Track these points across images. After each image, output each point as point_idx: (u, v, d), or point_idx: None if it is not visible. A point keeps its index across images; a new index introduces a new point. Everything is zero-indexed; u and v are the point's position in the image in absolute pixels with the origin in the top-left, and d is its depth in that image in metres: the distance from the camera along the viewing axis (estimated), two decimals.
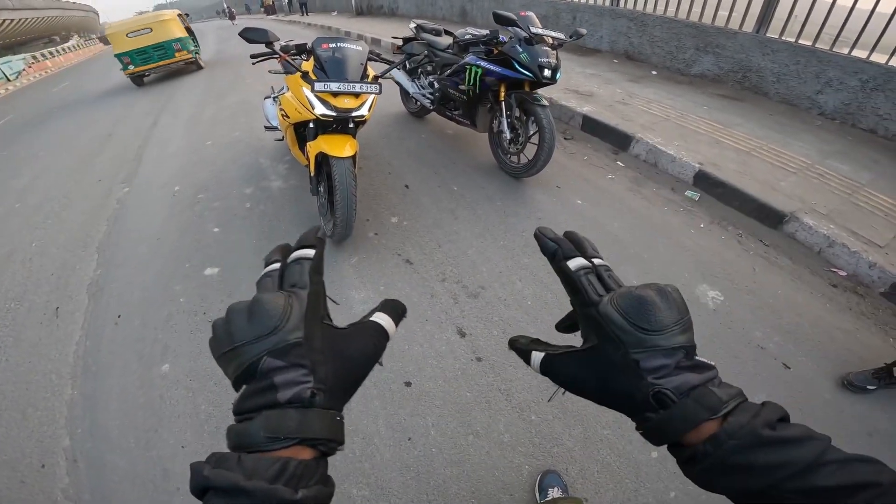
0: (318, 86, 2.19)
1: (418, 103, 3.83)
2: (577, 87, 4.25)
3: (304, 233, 0.40)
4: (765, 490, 0.28)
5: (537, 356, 0.39)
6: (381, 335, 0.39)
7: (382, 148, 3.80)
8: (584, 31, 2.82)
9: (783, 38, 3.96)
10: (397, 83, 3.90)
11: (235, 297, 2.42)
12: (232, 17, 25.75)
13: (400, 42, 3.72)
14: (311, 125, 2.36)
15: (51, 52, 20.90)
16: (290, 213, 3.05)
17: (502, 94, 2.82)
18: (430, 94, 3.58)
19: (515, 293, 2.22)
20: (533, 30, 2.60)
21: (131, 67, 8.20)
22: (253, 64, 2.62)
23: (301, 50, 2.50)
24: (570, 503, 1.24)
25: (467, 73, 2.93)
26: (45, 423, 1.92)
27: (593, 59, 5.32)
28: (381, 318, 0.39)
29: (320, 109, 2.22)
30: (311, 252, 0.38)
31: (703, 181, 2.91)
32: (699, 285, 2.24)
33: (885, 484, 0.28)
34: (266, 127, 3.43)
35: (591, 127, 3.62)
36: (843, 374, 1.82)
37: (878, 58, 3.49)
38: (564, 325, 0.44)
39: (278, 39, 2.26)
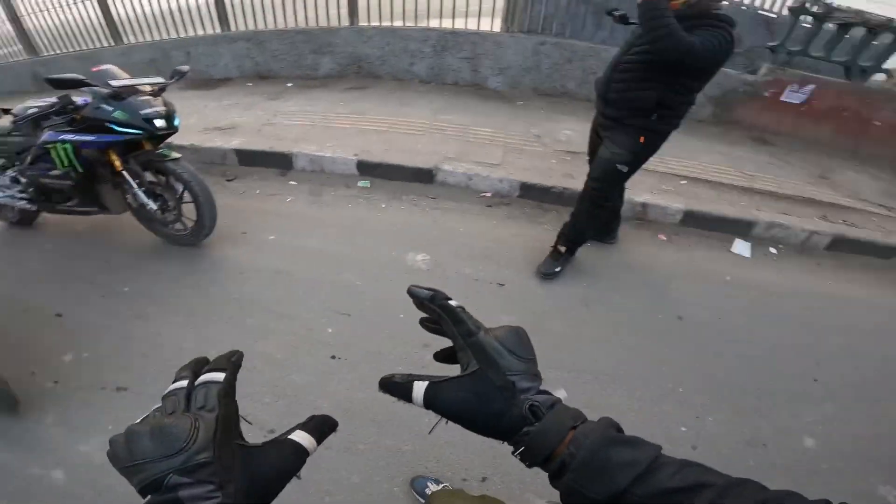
0: None
1: (15, 209, 2.87)
2: (216, 122, 4.00)
3: (218, 356, 0.40)
4: (622, 496, 0.32)
5: (420, 386, 0.39)
6: (299, 453, 0.37)
7: None
8: (185, 68, 2.59)
9: (371, 24, 4.70)
10: None
11: None
12: None
13: None
14: None
15: None
16: None
17: (118, 163, 2.38)
18: (22, 192, 2.71)
19: (258, 354, 1.98)
20: (115, 83, 2.24)
21: None
22: None
23: None
24: (450, 494, 1.23)
25: (54, 154, 2.33)
26: None
27: (226, 89, 5.10)
28: (301, 437, 0.38)
29: None
30: (220, 375, 0.37)
31: (366, 169, 3.27)
32: (408, 254, 2.58)
33: (720, 485, 0.31)
34: None
35: (249, 159, 3.51)
36: (536, 269, 2.45)
37: (437, 23, 4.54)
38: (443, 356, 0.47)
39: None
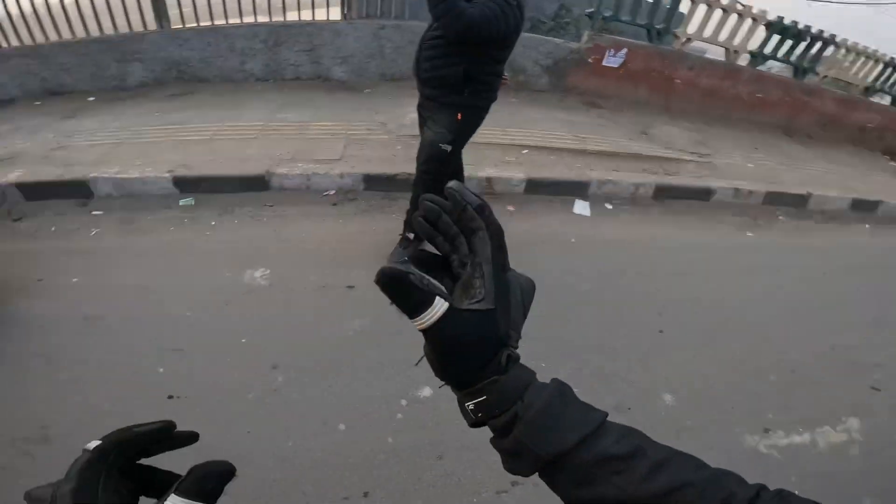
0: None
1: None
2: None
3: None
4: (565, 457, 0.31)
5: (441, 304, 0.32)
6: None
7: None
8: None
9: (187, 25, 4.14)
10: None
11: None
12: None
13: None
14: None
15: None
16: None
17: None
18: None
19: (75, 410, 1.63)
20: None
21: None
22: None
23: None
24: None
25: None
26: None
27: (6, 111, 4.16)
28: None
29: None
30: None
31: (185, 185, 2.87)
32: (244, 272, 2.34)
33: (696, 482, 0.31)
34: None
35: (36, 192, 2.83)
36: (383, 265, 2.35)
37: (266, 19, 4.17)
38: (423, 260, 0.37)
39: None
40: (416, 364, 0.38)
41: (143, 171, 2.86)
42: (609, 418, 0.34)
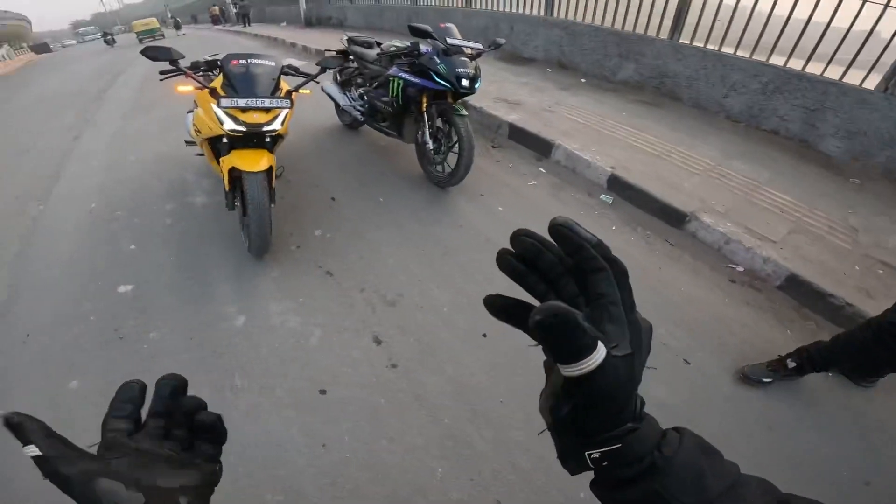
0: (225, 102, 2.18)
1: (351, 116, 3.84)
2: (507, 95, 4.39)
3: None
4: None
5: (602, 351, 0.26)
6: None
7: (313, 161, 3.78)
8: (502, 40, 2.93)
9: (694, 43, 4.25)
10: (329, 96, 3.89)
11: (150, 313, 2.33)
12: (178, 27, 24.09)
13: (334, 54, 3.73)
14: (224, 140, 2.32)
15: None
16: (212, 229, 2.97)
17: (424, 105, 2.88)
18: (361, 106, 3.60)
19: (432, 300, 2.26)
20: (449, 41, 2.68)
21: (142, 37, 21.00)
22: (161, 80, 2.55)
23: (212, 66, 2.46)
24: None
25: (391, 85, 2.97)
26: None
27: (527, 68, 5.51)
28: None
29: (229, 125, 2.20)
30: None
31: (616, 185, 3.07)
32: None
33: None
34: (186, 142, 3.33)
35: (518, 135, 3.74)
36: (740, 367, 1.96)
37: (777, 60, 3.79)
38: (512, 313, 0.32)
39: (182, 57, 2.22)
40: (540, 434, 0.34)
41: (593, 155, 3.23)
42: None
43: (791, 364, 1.86)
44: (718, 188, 3.01)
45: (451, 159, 2.93)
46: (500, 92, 4.55)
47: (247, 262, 2.61)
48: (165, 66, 2.32)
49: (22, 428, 0.31)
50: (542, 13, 5.74)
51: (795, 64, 3.76)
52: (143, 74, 9.74)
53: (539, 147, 3.57)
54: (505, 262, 0.33)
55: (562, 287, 0.32)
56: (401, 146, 3.79)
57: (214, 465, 0.37)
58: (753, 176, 3.21)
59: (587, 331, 0.26)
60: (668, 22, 4.44)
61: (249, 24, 19.24)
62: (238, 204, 2.49)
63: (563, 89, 4.63)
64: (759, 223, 2.73)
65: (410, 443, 1.67)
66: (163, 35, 22.63)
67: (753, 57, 3.98)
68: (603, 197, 3.07)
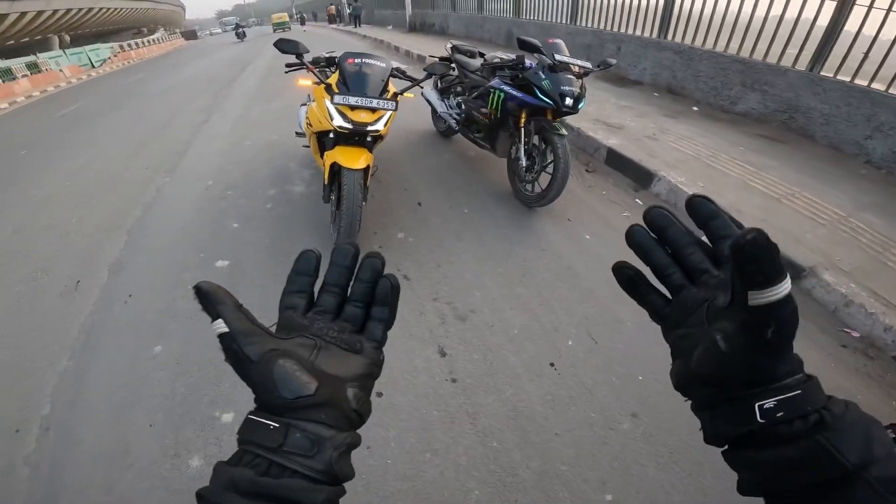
0: (338, 98, 2.30)
1: (446, 123, 3.90)
2: (608, 118, 4.18)
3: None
4: (860, 472, 0.26)
5: (788, 279, 0.25)
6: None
7: (405, 164, 3.89)
8: (613, 60, 2.79)
9: (837, 76, 3.73)
10: (427, 101, 3.99)
11: (238, 290, 2.51)
12: (303, 23, 26.40)
13: (436, 60, 3.83)
14: (331, 135, 2.46)
15: (136, 44, 22.79)
16: (305, 218, 3.17)
17: (522, 120, 2.82)
18: (457, 114, 3.64)
19: (504, 321, 2.19)
20: (557, 57, 2.60)
21: (275, 28, 28.23)
22: (286, 72, 2.76)
23: (331, 62, 2.63)
24: None
25: (491, 97, 2.95)
26: (34, 390, 2.03)
27: (632, 90, 5.22)
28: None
29: (338, 121, 2.32)
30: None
31: None
32: None
33: None
34: (297, 133, 3.59)
35: (615, 161, 3.54)
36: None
37: None
38: (632, 277, 0.37)
39: (308, 51, 2.39)
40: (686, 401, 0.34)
41: (700, 192, 2.94)
42: None
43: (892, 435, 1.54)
44: (845, 242, 2.60)
45: (543, 179, 2.84)
46: (599, 114, 4.35)
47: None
48: (291, 59, 2.50)
49: (211, 298, 0.32)
50: (655, 35, 5.41)
51: None
52: (266, 66, 10.81)
53: (638, 176, 3.34)
54: (636, 232, 0.35)
55: (688, 255, 0.33)
56: (491, 159, 3.77)
57: (379, 353, 0.37)
58: (889, 233, 2.73)
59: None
60: (806, 54, 3.96)
61: (360, 25, 20.59)
62: (333, 197, 2.62)
63: (670, 116, 4.31)
64: (888, 287, 2.31)
65: (454, 460, 1.62)
66: (290, 28, 29.37)
67: None
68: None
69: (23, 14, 18.47)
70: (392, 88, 2.56)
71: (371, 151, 2.52)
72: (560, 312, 2.24)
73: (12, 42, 21.39)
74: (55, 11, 20.93)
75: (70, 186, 4.29)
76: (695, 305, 0.32)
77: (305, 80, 2.68)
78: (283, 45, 2.33)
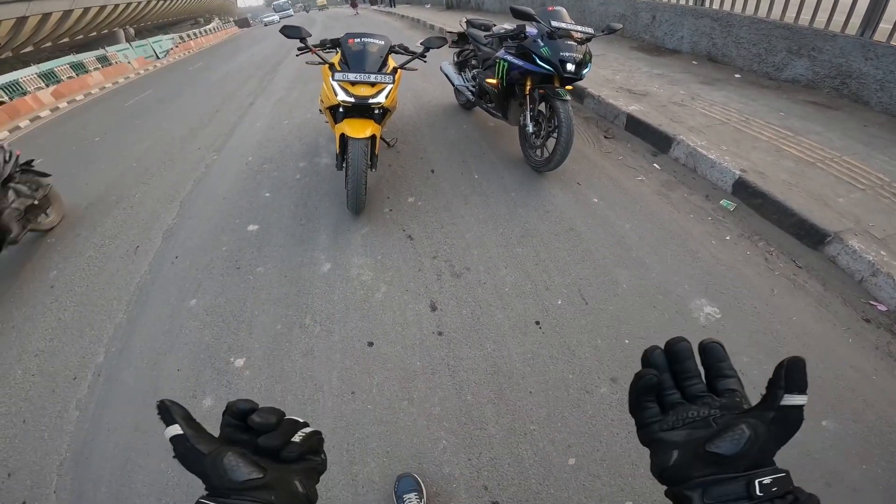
0: (338, 76, 2.48)
1: (465, 96, 3.95)
2: (633, 86, 4.02)
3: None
4: None
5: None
6: None
7: (423, 135, 3.99)
8: (618, 25, 2.72)
9: (891, 42, 3.37)
10: (445, 75, 4.04)
11: (263, 250, 2.78)
12: (354, 6, 24.60)
13: (455, 36, 3.87)
14: (340, 109, 2.63)
15: (194, 34, 24.23)
16: (326, 186, 3.38)
17: (528, 88, 2.83)
18: (473, 87, 3.67)
19: (497, 278, 2.26)
20: (554, 24, 2.58)
21: (320, 8, 39.61)
22: (297, 55, 2.95)
23: (335, 44, 2.79)
24: None
25: (496, 67, 2.98)
26: (93, 341, 2.34)
27: (667, 59, 4.95)
28: None
29: (341, 96, 2.49)
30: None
31: (742, 190, 2.64)
32: (696, 299, 2.08)
33: None
34: (319, 110, 3.80)
35: (635, 126, 3.43)
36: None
37: None
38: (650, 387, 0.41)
39: (310, 35, 2.59)
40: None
41: (721, 155, 2.82)
42: None
43: None
44: (885, 209, 2.39)
45: (552, 144, 2.84)
46: (626, 82, 4.19)
47: (345, 217, 2.91)
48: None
49: (168, 410, 0.36)
50: (692, 2, 5.07)
51: None
52: None
53: (657, 141, 3.23)
54: (656, 355, 0.41)
55: (693, 384, 0.40)
56: (508, 128, 3.79)
57: (318, 457, 0.42)
58: None
59: None
60: (855, 20, 3.59)
61: (395, 6, 20.67)
62: (345, 165, 2.79)
63: (707, 83, 4.07)
64: None
65: (428, 410, 1.72)
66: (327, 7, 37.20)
67: None
68: (724, 202, 2.67)
69: (86, 10, 20.04)
70: (392, 63, 2.70)
71: (379, 123, 2.66)
72: (554, 272, 2.27)
73: (81, 37, 23.30)
74: (116, 6, 22.46)
75: (136, 167, 4.79)
76: (697, 416, 0.38)
77: (313, 62, 2.87)
78: (287, 31, 2.53)
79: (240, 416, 0.39)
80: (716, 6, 4.74)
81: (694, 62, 4.81)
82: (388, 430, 1.68)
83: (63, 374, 2.18)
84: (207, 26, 30.44)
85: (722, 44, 4.71)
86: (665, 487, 0.38)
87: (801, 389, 0.34)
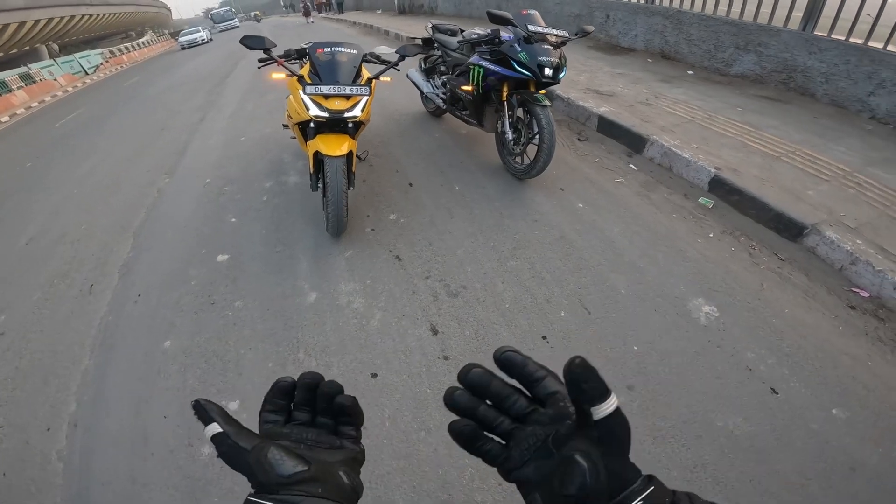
0: (310, 89, 2.31)
1: (434, 103, 3.86)
2: (599, 86, 4.09)
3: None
4: None
5: (613, 395, 0.31)
6: None
7: (396, 147, 3.87)
8: (591, 28, 2.73)
9: (832, 35, 3.61)
10: (413, 83, 3.95)
11: (238, 282, 2.57)
12: (307, 14, 21.41)
13: (417, 41, 3.78)
14: (311, 125, 2.46)
15: (126, 48, 22.76)
16: (299, 208, 3.19)
17: (505, 94, 2.78)
18: (443, 94, 3.60)
19: (496, 295, 2.19)
20: (531, 28, 2.55)
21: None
22: (259, 68, 2.76)
23: (302, 54, 2.62)
24: None
25: (471, 74, 2.92)
26: (60, 390, 2.13)
27: (625, 58, 5.10)
28: None
29: (314, 111, 2.33)
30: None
31: (719, 187, 2.72)
32: (694, 299, 2.11)
33: None
34: (283, 125, 3.60)
35: (607, 128, 3.48)
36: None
37: None
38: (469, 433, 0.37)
39: (275, 45, 2.39)
40: None
41: (695, 154, 2.89)
42: None
43: None
44: (852, 199, 2.53)
45: (531, 151, 2.81)
46: (591, 82, 4.26)
47: (325, 241, 2.75)
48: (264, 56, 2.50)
49: (206, 409, 0.36)
50: (643, 1, 5.25)
51: None
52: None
53: (631, 142, 3.28)
54: (456, 396, 0.36)
55: (513, 403, 0.35)
56: (482, 135, 3.74)
57: (356, 446, 0.41)
58: None
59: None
60: (797, 14, 3.82)
61: (343, 12, 20.41)
62: (321, 185, 2.63)
63: (665, 81, 4.20)
64: None
65: (447, 438, 1.62)
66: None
67: None
68: (702, 200, 2.74)
69: (5, 26, 18.46)
70: (366, 74, 2.56)
71: (354, 137, 2.52)
72: (552, 284, 2.23)
73: (1, 54, 21.51)
74: (37, 22, 20.83)
75: (77, 194, 4.36)
76: (537, 441, 0.34)
77: (279, 74, 2.69)
78: (249, 42, 2.33)
79: (289, 392, 0.41)
80: (666, 4, 4.91)
81: (649, 60, 4.97)
82: (410, 464, 1.58)
83: (34, 425, 1.97)
84: (140, 39, 28.58)
85: (674, 41, 4.90)
86: None
87: (603, 393, 0.30)
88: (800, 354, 1.83)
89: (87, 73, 17.08)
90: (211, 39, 24.00)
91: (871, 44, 3.36)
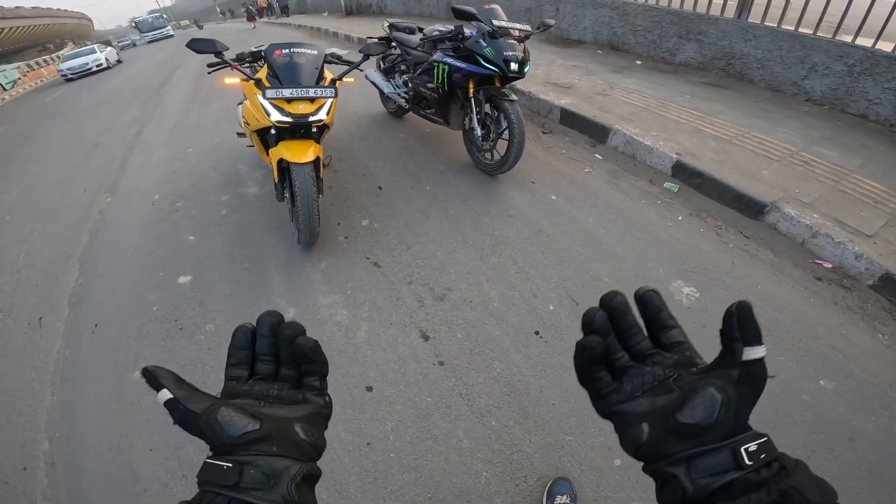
0: (270, 93, 2.17)
1: (395, 103, 3.78)
2: (557, 79, 4.17)
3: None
4: None
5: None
6: None
7: (359, 150, 3.76)
8: (552, 21, 2.75)
9: (765, 23, 3.86)
10: (373, 83, 3.84)
11: (206, 304, 2.40)
12: (251, 19, 19.20)
13: (375, 41, 3.68)
14: (273, 131, 2.32)
15: (45, 61, 20.99)
16: (263, 220, 3.02)
17: (471, 90, 2.76)
18: (405, 93, 3.53)
19: (482, 294, 2.17)
20: (495, 23, 2.54)
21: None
22: (209, 73, 2.58)
23: (257, 57, 2.46)
24: None
25: (435, 71, 2.87)
26: (27, 428, 1.96)
27: (577, 50, 5.23)
28: None
29: (276, 116, 2.19)
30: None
31: (681, 172, 2.83)
32: (674, 281, 2.17)
33: None
34: (238, 133, 3.39)
35: (570, 120, 3.54)
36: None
37: (864, 41, 3.39)
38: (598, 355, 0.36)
39: (227, 49, 2.23)
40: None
41: (655, 141, 2.99)
42: None
43: None
44: (801, 176, 2.71)
45: (501, 146, 2.80)
46: (548, 76, 4.33)
47: (296, 253, 2.62)
48: (214, 59, 2.33)
49: (155, 376, 0.35)
50: None
51: (885, 46, 3.32)
52: (197, 68, 10.17)
53: (594, 132, 3.36)
54: (597, 318, 0.36)
55: (639, 342, 0.36)
56: (447, 133, 3.70)
57: (322, 398, 0.40)
58: (842, 163, 2.87)
59: None
60: (732, 2, 4.06)
61: (288, 15, 19.94)
62: (287, 195, 2.49)
63: (616, 72, 4.34)
64: (851, 215, 2.43)
65: (456, 444, 1.60)
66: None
67: (836, 38, 3.54)
68: (667, 185, 2.84)
69: None
70: (329, 75, 2.44)
71: (319, 142, 2.40)
72: (537, 278, 2.23)
73: None
74: None
75: (9, 222, 3.93)
76: (654, 380, 0.34)
77: (232, 79, 2.51)
78: (198, 45, 2.15)
79: (251, 341, 0.40)
80: None
81: (599, 51, 5.12)
82: (422, 476, 1.53)
83: (9, 465, 1.81)
84: (60, 52, 26.29)
85: (621, 32, 5.07)
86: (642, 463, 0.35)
87: (758, 339, 0.31)
88: (780, 329, 1.92)
89: (4, 89, 15.55)
90: (119, 61, 17.29)
91: (801, 30, 3.61)
